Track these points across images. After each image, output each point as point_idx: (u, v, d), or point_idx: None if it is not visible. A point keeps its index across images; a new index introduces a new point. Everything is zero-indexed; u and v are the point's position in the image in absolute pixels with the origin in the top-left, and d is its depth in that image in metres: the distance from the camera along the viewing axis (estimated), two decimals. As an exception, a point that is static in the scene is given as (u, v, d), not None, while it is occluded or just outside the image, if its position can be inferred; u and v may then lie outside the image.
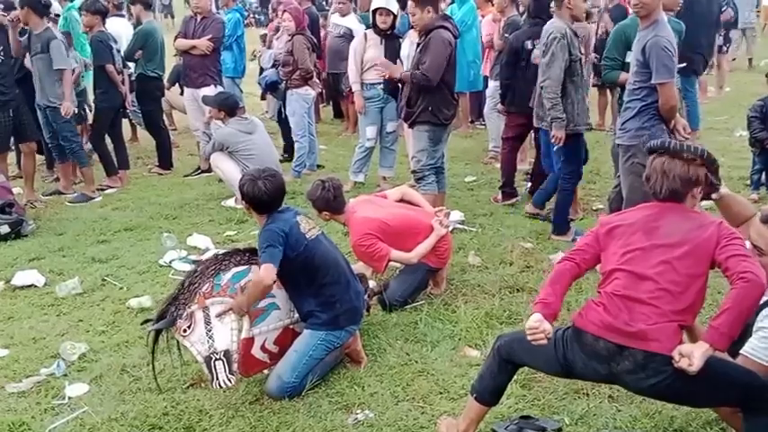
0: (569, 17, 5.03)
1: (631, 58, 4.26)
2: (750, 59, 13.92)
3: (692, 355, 2.23)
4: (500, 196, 6.17)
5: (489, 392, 2.77)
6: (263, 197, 3.33)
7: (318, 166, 7.52)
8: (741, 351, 2.44)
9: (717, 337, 2.24)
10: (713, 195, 2.73)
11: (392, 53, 6.22)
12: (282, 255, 3.24)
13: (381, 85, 6.26)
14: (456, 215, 5.63)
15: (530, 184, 6.42)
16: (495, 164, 6.94)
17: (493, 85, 7.21)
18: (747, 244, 2.60)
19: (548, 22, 5.10)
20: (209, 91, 7.00)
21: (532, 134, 6.19)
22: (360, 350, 3.61)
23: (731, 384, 2.38)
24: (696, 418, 2.97)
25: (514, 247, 5.07)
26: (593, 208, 5.93)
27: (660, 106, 4.08)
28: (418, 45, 5.32)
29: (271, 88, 7.52)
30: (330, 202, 4.07)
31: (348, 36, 8.15)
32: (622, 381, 2.49)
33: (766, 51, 13.66)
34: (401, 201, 4.59)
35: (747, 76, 11.84)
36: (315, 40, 7.12)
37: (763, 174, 5.86)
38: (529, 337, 2.48)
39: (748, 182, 6.18)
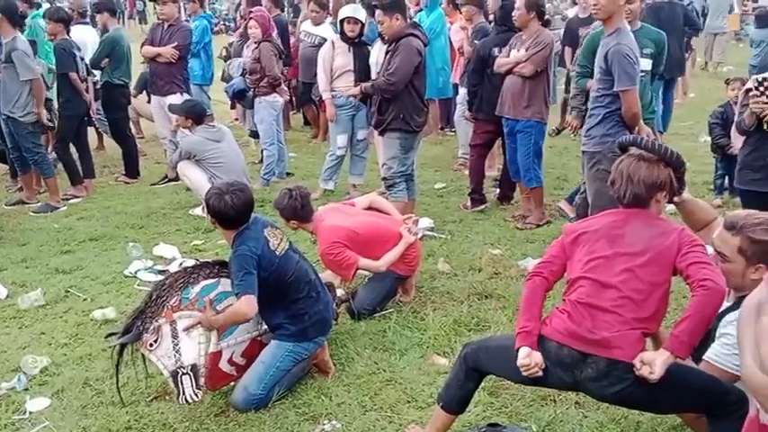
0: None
1: (595, 65, 4.31)
2: (707, 63, 14.26)
3: (654, 363, 2.25)
4: (469, 203, 6.19)
5: (456, 401, 2.77)
6: (230, 212, 3.25)
7: (288, 174, 7.48)
8: (704, 357, 2.47)
9: (678, 345, 2.27)
10: (675, 199, 2.74)
11: (361, 60, 6.23)
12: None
13: None
14: (425, 222, 5.63)
15: (498, 190, 6.47)
16: (465, 170, 6.96)
17: (463, 92, 7.24)
18: (710, 249, 2.63)
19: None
20: (176, 99, 6.93)
21: (500, 140, 6.22)
22: (327, 360, 3.59)
23: (694, 391, 2.41)
24: (662, 423, 2.99)
25: (483, 253, 5.08)
26: (561, 214, 5.97)
27: (623, 113, 4.13)
28: (387, 52, 5.33)
29: (238, 96, 7.47)
30: (297, 210, 4.05)
31: (322, 45, 8.15)
32: (586, 388, 2.49)
33: (732, 59, 13.92)
34: (369, 208, 4.59)
35: (711, 81, 12.05)
36: (282, 47, 7.09)
37: (726, 178, 5.95)
38: (524, 373, 2.48)
39: (712, 186, 6.28)
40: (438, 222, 5.80)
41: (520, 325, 2.54)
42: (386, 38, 5.38)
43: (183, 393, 3.18)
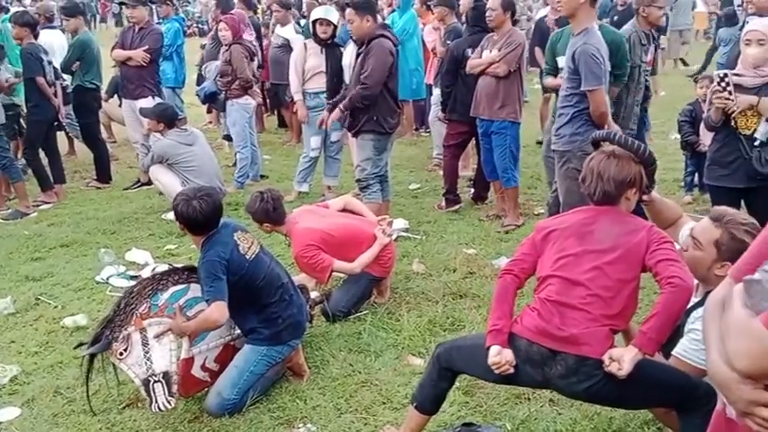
0: (645, 23, 5.10)
1: (563, 65, 4.35)
2: (682, 59, 14.54)
3: (622, 360, 2.27)
4: (443, 203, 6.21)
5: (430, 401, 2.77)
6: (199, 217, 3.21)
7: (262, 177, 7.44)
8: (672, 352, 2.49)
9: (645, 341, 2.28)
10: (644, 197, 2.75)
11: (333, 62, 6.22)
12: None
13: (325, 95, 6.25)
14: (400, 223, 5.63)
15: (472, 190, 6.49)
16: (440, 171, 6.97)
17: (437, 92, 7.24)
18: (676, 246, 2.66)
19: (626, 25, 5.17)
20: (147, 102, 6.86)
21: (474, 141, 6.25)
22: (302, 363, 3.57)
23: (663, 386, 2.43)
24: (634, 418, 3.02)
25: (458, 253, 5.10)
26: (535, 212, 6.01)
27: (591, 112, 4.16)
28: (358, 55, 5.32)
29: (210, 99, 7.41)
30: (270, 213, 4.03)
31: (286, 46, 8.13)
32: (556, 386, 2.51)
33: (700, 57, 14.09)
34: (344, 210, 4.58)
35: (682, 79, 12.20)
36: (253, 49, 7.03)
37: (696, 175, 6.03)
38: (495, 371, 2.49)
39: (682, 184, 6.36)
40: (413, 223, 5.80)
41: (490, 323, 2.55)
42: (355, 39, 5.38)
43: (156, 401, 3.14)
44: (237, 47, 6.75)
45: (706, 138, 4.53)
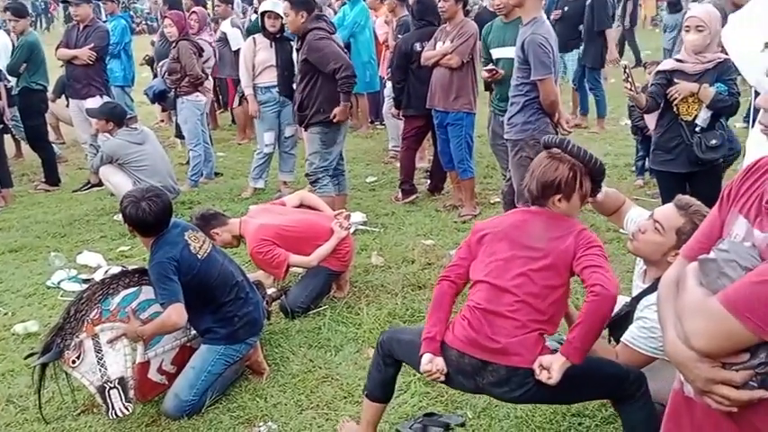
0: (731, 4, 5.04)
1: (514, 55, 4.38)
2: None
3: (551, 369, 2.26)
4: (400, 194, 6.20)
5: (379, 388, 2.75)
6: (148, 219, 3.13)
7: (217, 174, 7.35)
8: (621, 339, 2.52)
9: (571, 350, 2.27)
10: (589, 200, 2.71)
11: (283, 56, 6.15)
12: None
13: (276, 89, 6.19)
14: (357, 216, 5.62)
15: (429, 181, 6.51)
16: (396, 163, 6.97)
17: (390, 85, 7.24)
18: (632, 226, 2.68)
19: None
20: (95, 101, 6.70)
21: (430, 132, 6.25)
22: (261, 361, 3.53)
23: (595, 381, 2.45)
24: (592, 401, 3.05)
25: (416, 245, 5.11)
26: (491, 201, 6.05)
27: (541, 101, 4.20)
28: (299, 50, 5.33)
29: (159, 98, 7.28)
30: (207, 220, 4.01)
31: (224, 41, 8.02)
32: (490, 393, 2.50)
33: (648, 44, 14.37)
34: (300, 206, 4.54)
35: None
36: (198, 46, 6.88)
37: (647, 160, 6.13)
38: (427, 379, 2.49)
39: (633, 168, 6.47)
40: (370, 216, 5.79)
41: (425, 330, 2.51)
42: (291, 33, 5.39)
43: (113, 408, 3.08)
44: (185, 43, 6.63)
45: (651, 122, 4.63)
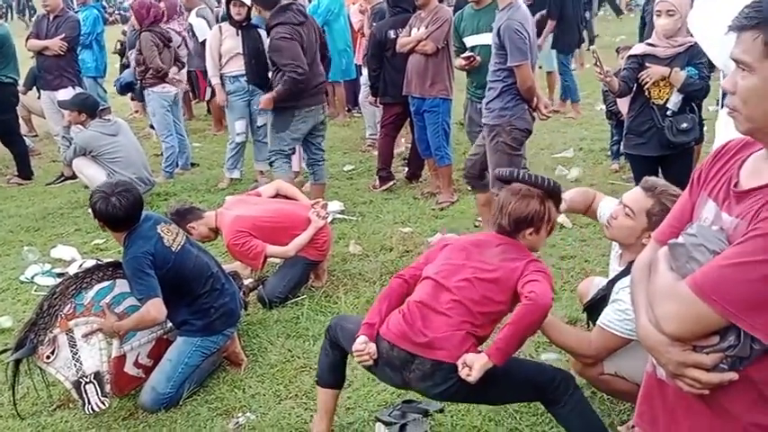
0: None
1: (491, 41, 4.37)
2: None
3: (473, 367, 2.28)
4: (377, 182, 6.19)
5: (327, 373, 2.76)
6: (119, 214, 3.09)
7: (193, 165, 7.28)
8: (597, 322, 2.54)
9: (494, 351, 2.30)
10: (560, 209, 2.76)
11: (251, 44, 6.06)
12: None
13: (244, 78, 6.12)
14: (335, 205, 5.60)
15: (407, 169, 6.50)
16: (374, 151, 6.95)
17: (366, 72, 7.21)
18: (611, 210, 2.68)
19: None
20: (67, 93, 6.60)
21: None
22: (239, 352, 3.51)
23: (520, 383, 2.47)
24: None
25: (394, 232, 5.10)
26: (468, 188, 6.04)
27: (519, 87, 4.20)
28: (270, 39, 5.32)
29: (127, 89, 7.19)
30: (182, 215, 3.98)
31: (190, 31, 7.94)
32: (416, 388, 2.53)
33: (621, 29, 14.43)
34: (276, 196, 4.51)
35: (606, 52, 12.45)
36: (165, 36, 6.76)
37: (621, 144, 6.17)
38: (356, 359, 2.51)
39: (609, 153, 6.51)
40: (348, 205, 5.78)
41: (366, 318, 2.56)
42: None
43: (89, 402, 3.05)
44: (147, 35, 6.50)
45: (623, 106, 4.67)
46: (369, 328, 2.52)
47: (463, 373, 2.29)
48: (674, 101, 4.03)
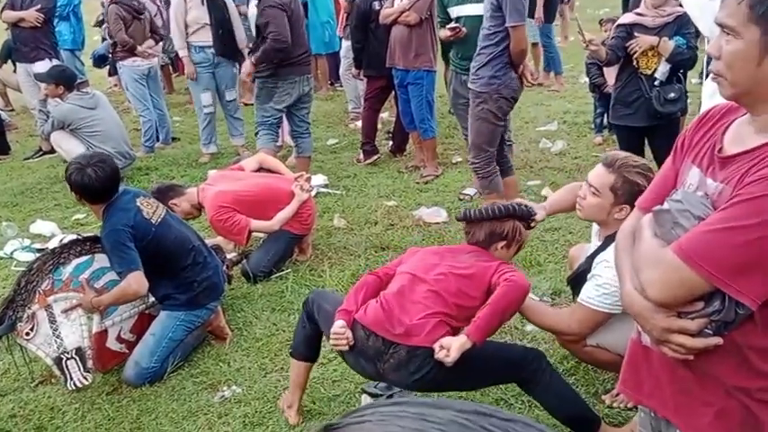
0: None
1: (485, 3, 4.30)
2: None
3: (450, 348, 2.28)
4: (362, 156, 6.16)
5: (302, 345, 2.76)
6: (95, 185, 3.04)
7: (174, 139, 7.19)
8: (578, 299, 2.54)
9: (474, 329, 2.31)
10: (533, 225, 2.81)
11: (217, 13, 5.97)
12: None
13: (211, 49, 6.04)
14: (319, 179, 5.56)
15: (391, 142, 6.46)
16: (358, 124, 6.91)
17: (347, 45, 7.13)
18: (584, 187, 2.69)
19: None
20: (44, 65, 6.46)
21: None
22: (223, 326, 3.50)
23: (495, 363, 2.48)
24: (555, 353, 3.10)
25: (378, 206, 5.09)
26: (453, 161, 6.05)
27: (511, 49, 4.13)
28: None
29: (101, 61, 7.07)
30: (163, 192, 3.93)
31: (164, 1, 7.81)
32: (390, 380, 2.53)
33: (605, 1, 14.38)
34: (260, 169, 4.46)
35: (590, 24, 12.41)
36: (135, 8, 6.59)
37: (605, 117, 6.17)
38: (332, 342, 2.50)
39: (592, 126, 6.51)
40: (332, 178, 5.74)
41: (343, 305, 2.55)
42: None
43: (71, 378, 3.03)
44: (113, 7, 6.38)
45: (610, 78, 4.66)
46: (346, 314, 2.50)
47: (441, 354, 2.28)
48: (662, 71, 4.02)
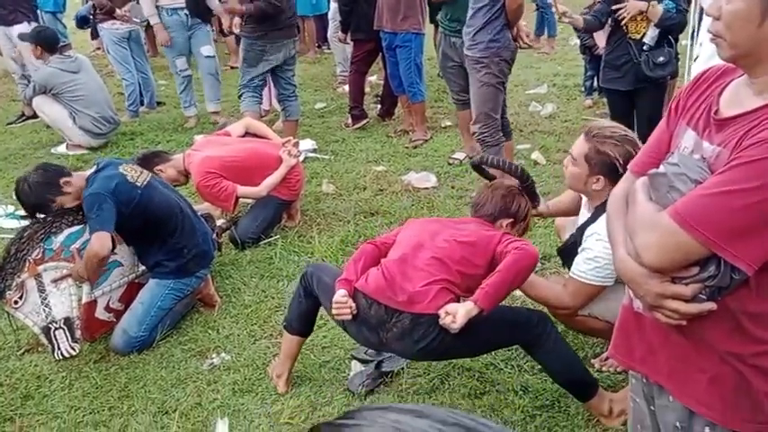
0: None
1: None
2: None
3: (456, 314, 2.25)
4: (350, 120, 6.08)
5: (296, 320, 2.74)
6: (30, 199, 3.04)
7: (159, 104, 7.08)
8: (570, 273, 2.52)
9: (482, 295, 2.27)
10: (534, 212, 2.78)
11: None
12: (117, 214, 2.98)
13: (184, 10, 5.90)
14: (307, 144, 5.50)
15: (379, 106, 6.39)
16: (345, 88, 6.81)
17: (334, 6, 6.99)
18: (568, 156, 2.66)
19: None
20: (23, 28, 6.30)
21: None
22: (212, 293, 3.47)
23: (500, 326, 2.44)
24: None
25: (367, 171, 5.04)
26: (442, 125, 5.99)
27: (508, 6, 4.03)
28: None
29: (83, 23, 6.90)
30: (148, 159, 3.85)
31: None
32: (393, 349, 2.48)
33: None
34: (246, 134, 4.39)
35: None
36: None
37: (595, 79, 6.11)
38: (334, 311, 2.45)
39: (582, 89, 6.46)
40: (320, 143, 5.68)
41: (342, 275, 2.51)
42: None
43: (59, 348, 3.02)
44: None
45: (600, 40, 4.61)
46: (347, 284, 2.46)
47: (447, 320, 2.25)
48: (651, 35, 3.99)
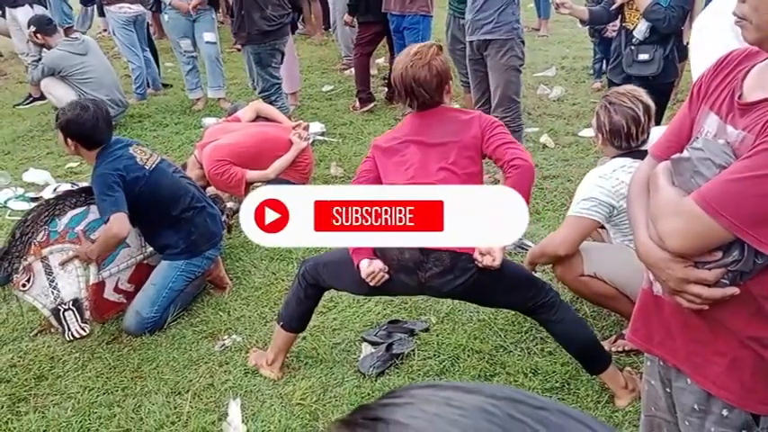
0: None
1: None
2: None
3: (492, 251, 2.28)
4: (357, 104, 6.06)
5: (296, 319, 2.73)
6: (88, 128, 3.01)
7: (165, 86, 7.06)
8: (568, 214, 2.61)
9: None
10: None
11: None
12: (126, 194, 2.99)
13: None
14: (316, 127, 5.49)
15: (387, 89, 6.35)
16: (349, 72, 6.78)
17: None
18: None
19: None
20: (25, 11, 6.33)
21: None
22: (223, 275, 3.48)
23: (523, 281, 2.51)
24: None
25: (375, 154, 5.02)
26: (450, 109, 5.96)
27: None
28: None
29: (90, 2, 6.87)
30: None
31: None
32: (431, 287, 2.45)
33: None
34: (257, 118, 4.39)
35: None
36: None
37: (604, 62, 6.06)
38: (371, 283, 2.41)
39: (591, 71, 6.42)
40: (328, 126, 5.66)
41: (354, 248, 2.45)
42: None
43: (69, 329, 3.04)
44: None
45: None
46: (361, 251, 2.42)
47: (486, 260, 2.29)
48: (640, 28, 3.77)
